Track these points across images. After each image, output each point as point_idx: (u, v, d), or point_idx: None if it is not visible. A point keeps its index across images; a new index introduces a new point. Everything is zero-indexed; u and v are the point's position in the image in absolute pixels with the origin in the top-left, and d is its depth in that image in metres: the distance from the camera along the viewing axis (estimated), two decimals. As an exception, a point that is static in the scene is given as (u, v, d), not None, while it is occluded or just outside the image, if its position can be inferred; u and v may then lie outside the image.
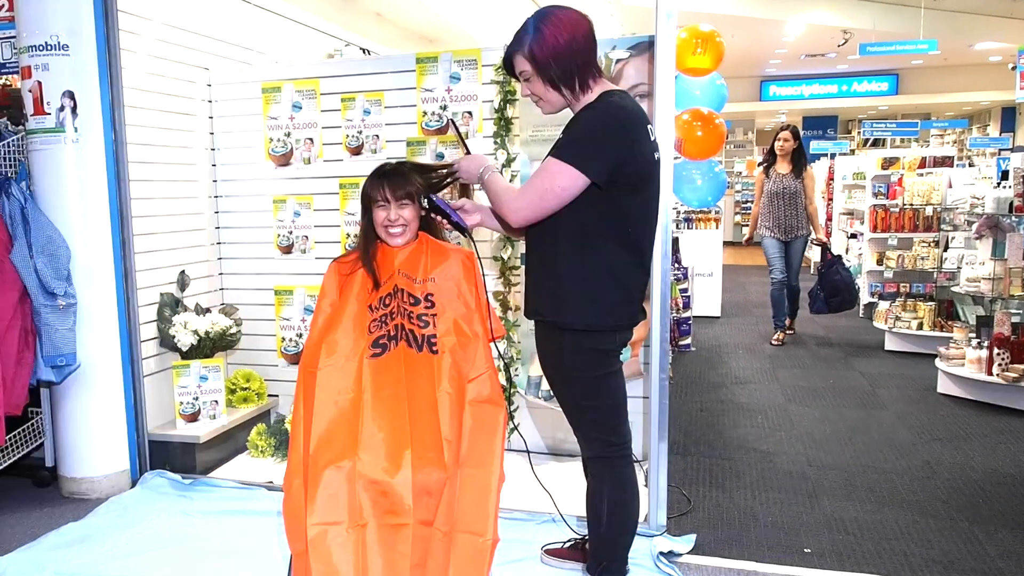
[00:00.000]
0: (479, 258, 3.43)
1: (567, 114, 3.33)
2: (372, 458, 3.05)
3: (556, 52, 3.15)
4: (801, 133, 9.41)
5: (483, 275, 3.47)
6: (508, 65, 3.33)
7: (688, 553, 4.23)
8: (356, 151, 5.72)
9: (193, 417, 5.44)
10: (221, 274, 6.15)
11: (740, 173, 24.00)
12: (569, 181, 3.10)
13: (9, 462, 4.97)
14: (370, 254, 3.41)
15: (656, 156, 3.32)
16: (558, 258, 3.25)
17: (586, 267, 3.21)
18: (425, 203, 3.43)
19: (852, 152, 18.60)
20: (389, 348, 3.27)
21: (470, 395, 3.24)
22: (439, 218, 3.49)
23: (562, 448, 5.43)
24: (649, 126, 3.27)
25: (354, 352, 3.28)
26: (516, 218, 3.26)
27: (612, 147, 3.10)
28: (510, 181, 5.26)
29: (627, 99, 3.25)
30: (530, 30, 3.19)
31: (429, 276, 3.38)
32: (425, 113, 5.54)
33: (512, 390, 5.47)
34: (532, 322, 3.45)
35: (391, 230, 3.37)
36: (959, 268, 8.64)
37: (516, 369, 5.45)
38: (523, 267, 5.20)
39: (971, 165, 12.83)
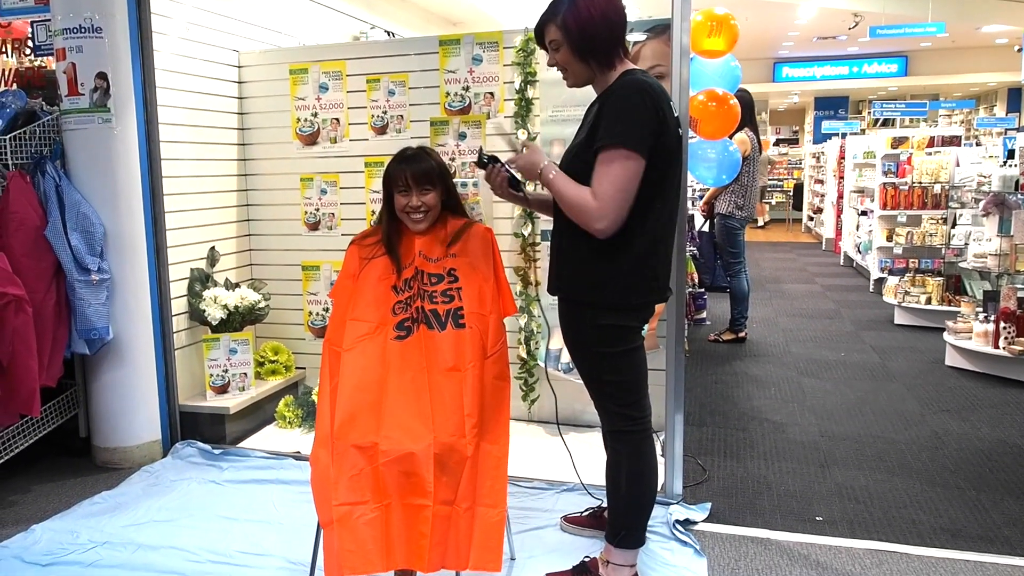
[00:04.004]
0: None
1: (587, 94, 3.27)
2: (395, 438, 3.06)
3: (589, 23, 3.08)
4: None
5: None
6: (539, 33, 3.26)
7: (703, 521, 4.21)
8: (381, 131, 5.69)
9: (223, 389, 5.43)
10: (250, 250, 6.13)
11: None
12: (637, 165, 3.00)
13: (44, 432, 4.96)
14: (392, 239, 3.39)
15: (679, 131, 3.26)
16: (580, 235, 3.18)
17: (607, 244, 3.15)
18: (486, 159, 3.34)
19: (862, 132, 18.39)
20: (413, 331, 3.27)
21: (487, 371, 3.26)
22: (500, 175, 3.35)
23: (581, 419, 5.40)
24: (670, 102, 3.21)
25: (378, 333, 3.28)
26: (604, 226, 3.03)
27: (648, 121, 3.01)
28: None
29: (649, 76, 3.19)
30: (565, 1, 3.14)
31: (450, 252, 3.36)
32: (448, 94, 5.49)
33: (532, 363, 5.46)
34: (553, 296, 3.41)
35: (412, 215, 3.32)
36: (966, 244, 8.60)
37: (536, 342, 5.43)
38: (544, 243, 5.21)
39: (978, 144, 12.70)
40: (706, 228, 8.77)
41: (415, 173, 3.28)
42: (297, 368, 6.04)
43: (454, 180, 4.00)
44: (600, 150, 3.03)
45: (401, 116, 5.64)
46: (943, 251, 9.26)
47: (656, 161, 3.07)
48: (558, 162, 3.21)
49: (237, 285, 5.70)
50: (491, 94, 5.43)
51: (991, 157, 9.34)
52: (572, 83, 3.30)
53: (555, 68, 3.30)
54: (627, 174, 2.99)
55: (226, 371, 5.43)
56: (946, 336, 7.39)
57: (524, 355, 5.47)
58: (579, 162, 3.15)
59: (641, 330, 3.36)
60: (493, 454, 3.17)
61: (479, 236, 3.41)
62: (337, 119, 5.77)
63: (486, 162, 3.35)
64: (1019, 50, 18.86)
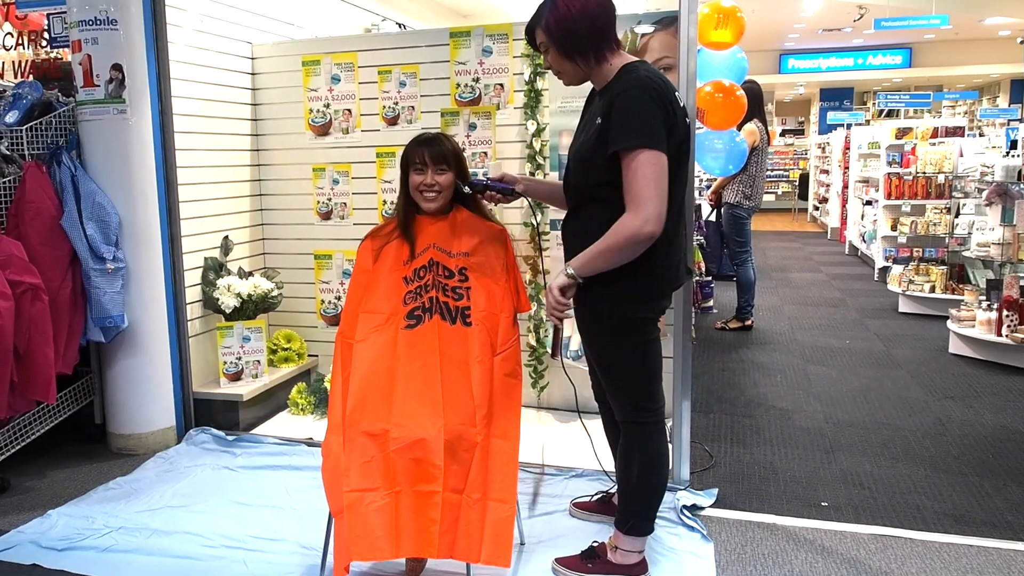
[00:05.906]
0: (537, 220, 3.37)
1: (592, 86, 3.25)
2: (405, 425, 3.09)
3: (568, 22, 3.05)
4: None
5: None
6: (531, 38, 3.25)
7: (711, 507, 4.19)
8: (392, 122, 5.67)
9: (236, 376, 5.43)
10: (263, 239, 6.12)
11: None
12: (661, 161, 2.94)
13: (60, 419, 4.95)
14: (408, 223, 3.40)
15: (687, 120, 3.23)
16: (590, 227, 3.13)
17: None
18: (467, 189, 3.43)
19: (867, 122, 18.40)
20: (423, 320, 3.29)
21: (497, 368, 3.26)
22: (488, 195, 3.50)
23: (590, 406, 5.36)
24: (676, 93, 3.17)
25: (389, 323, 3.32)
26: (653, 228, 2.94)
27: (660, 117, 2.96)
28: (539, 151, 5.22)
29: (651, 69, 3.14)
30: (548, 3, 3.10)
31: (464, 251, 3.38)
32: (458, 85, 5.47)
33: (541, 350, 5.44)
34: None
35: (426, 194, 3.35)
36: (970, 233, 8.55)
37: (545, 330, 5.42)
38: (554, 232, 5.19)
39: (981, 135, 12.69)
40: (713, 217, 8.75)
41: (432, 153, 3.33)
42: (309, 356, 6.04)
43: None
44: (621, 156, 2.97)
45: (412, 107, 5.62)
46: (947, 240, 9.21)
47: (670, 154, 3.04)
48: (565, 152, 3.18)
49: (250, 274, 5.69)
50: (501, 85, 5.40)
51: (994, 147, 9.29)
52: (567, 82, 3.26)
53: (550, 70, 3.28)
54: (656, 171, 2.93)
55: (239, 358, 5.43)
56: (950, 324, 7.36)
57: (533, 343, 5.46)
58: (585, 165, 3.14)
59: (656, 321, 3.33)
60: (504, 450, 3.17)
61: (493, 236, 3.43)
62: (349, 110, 5.75)
63: (470, 192, 3.47)
64: (1022, 42, 18.81)
